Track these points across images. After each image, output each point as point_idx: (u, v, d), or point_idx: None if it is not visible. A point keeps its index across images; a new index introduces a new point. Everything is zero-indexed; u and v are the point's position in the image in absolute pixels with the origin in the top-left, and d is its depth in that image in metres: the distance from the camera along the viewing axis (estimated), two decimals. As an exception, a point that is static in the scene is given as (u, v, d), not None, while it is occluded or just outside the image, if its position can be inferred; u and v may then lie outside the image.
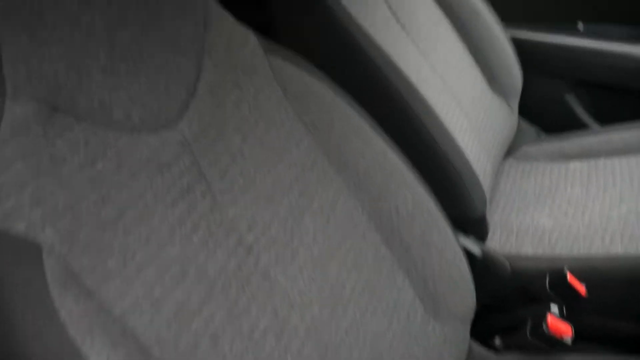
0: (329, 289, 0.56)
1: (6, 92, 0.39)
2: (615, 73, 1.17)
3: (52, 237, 0.38)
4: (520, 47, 1.14)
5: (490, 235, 0.93)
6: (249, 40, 0.61)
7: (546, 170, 1.07)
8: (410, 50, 0.94)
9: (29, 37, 0.39)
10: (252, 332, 0.48)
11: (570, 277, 0.77)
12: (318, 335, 0.53)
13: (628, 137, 1.06)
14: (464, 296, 0.69)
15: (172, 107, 0.49)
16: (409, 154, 0.70)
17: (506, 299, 0.85)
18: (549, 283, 0.78)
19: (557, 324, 0.71)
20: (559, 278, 0.78)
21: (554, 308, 0.74)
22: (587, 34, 1.23)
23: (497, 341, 0.77)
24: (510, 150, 1.15)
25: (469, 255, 0.77)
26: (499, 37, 1.10)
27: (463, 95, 1.01)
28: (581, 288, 0.78)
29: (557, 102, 1.26)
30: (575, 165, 1.05)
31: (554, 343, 0.71)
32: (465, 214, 0.88)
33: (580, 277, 0.78)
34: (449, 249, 0.68)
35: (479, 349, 0.76)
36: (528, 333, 0.72)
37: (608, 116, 1.20)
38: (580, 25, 1.25)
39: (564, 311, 0.75)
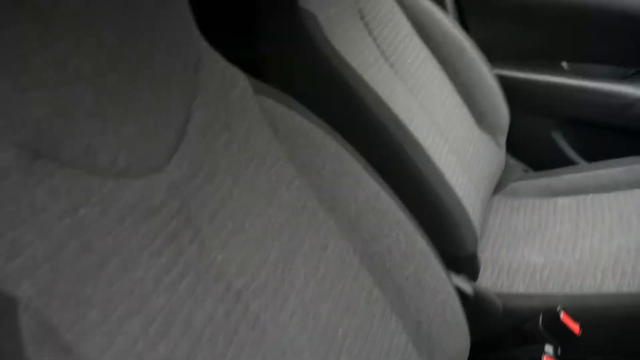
0: (321, 335, 0.55)
1: None
2: (600, 110, 1.19)
3: (29, 291, 0.36)
4: (507, 84, 1.16)
5: (481, 273, 0.92)
6: (239, 81, 0.60)
7: (535, 207, 1.07)
8: (399, 88, 0.95)
9: (12, 83, 0.38)
10: None
11: (564, 316, 0.77)
12: None
13: (615, 173, 1.07)
14: (457, 337, 0.68)
15: (161, 150, 0.48)
16: (399, 192, 0.69)
17: (499, 337, 0.84)
18: (542, 322, 0.77)
19: (553, 366, 0.70)
20: (552, 317, 0.77)
21: (549, 349, 0.73)
22: (572, 73, 1.25)
23: (494, 383, 0.76)
24: (499, 187, 1.15)
25: (461, 294, 0.76)
26: (486, 75, 1.12)
27: (451, 133, 1.01)
28: (575, 327, 0.77)
29: (544, 139, 1.27)
30: (563, 201, 1.05)
31: (551, 385, 0.70)
32: (456, 252, 0.87)
33: (573, 316, 0.78)
34: (442, 289, 0.67)
35: (474, 390, 0.74)
36: (525, 376, 0.71)
37: (594, 153, 1.21)
38: (565, 65, 1.27)
39: (559, 351, 0.74)
